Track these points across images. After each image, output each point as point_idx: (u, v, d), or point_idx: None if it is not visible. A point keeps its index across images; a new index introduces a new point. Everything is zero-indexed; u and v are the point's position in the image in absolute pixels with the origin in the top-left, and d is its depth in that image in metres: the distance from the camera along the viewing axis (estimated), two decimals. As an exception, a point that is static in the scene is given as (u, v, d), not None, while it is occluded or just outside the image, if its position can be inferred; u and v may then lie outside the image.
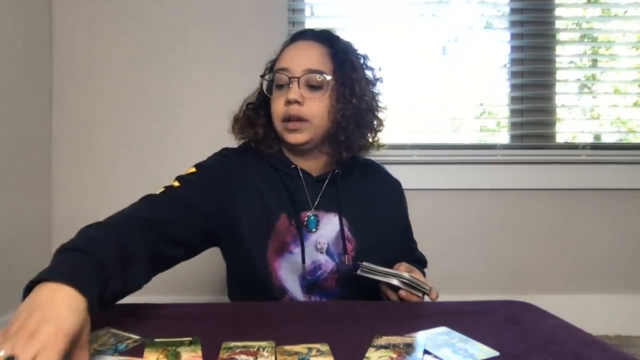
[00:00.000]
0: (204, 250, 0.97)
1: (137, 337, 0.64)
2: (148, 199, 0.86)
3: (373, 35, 1.85)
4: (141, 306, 0.82)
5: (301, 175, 0.98)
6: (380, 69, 1.05)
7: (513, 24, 1.87)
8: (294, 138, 0.95)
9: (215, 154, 1.03)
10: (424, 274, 1.09)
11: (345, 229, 0.96)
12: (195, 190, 0.91)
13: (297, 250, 0.93)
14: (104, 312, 0.78)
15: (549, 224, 1.79)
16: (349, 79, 0.96)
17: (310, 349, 0.58)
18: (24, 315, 0.49)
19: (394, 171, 1.13)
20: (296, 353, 0.57)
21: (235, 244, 0.95)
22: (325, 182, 1.00)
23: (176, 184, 0.91)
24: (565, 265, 1.78)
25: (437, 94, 1.86)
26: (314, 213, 0.97)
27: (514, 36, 1.87)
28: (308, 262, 0.93)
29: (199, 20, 1.77)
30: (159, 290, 1.78)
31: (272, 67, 1.02)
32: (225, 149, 1.05)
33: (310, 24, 1.85)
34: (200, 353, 0.58)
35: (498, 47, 1.91)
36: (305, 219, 0.96)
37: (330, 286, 0.95)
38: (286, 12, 1.78)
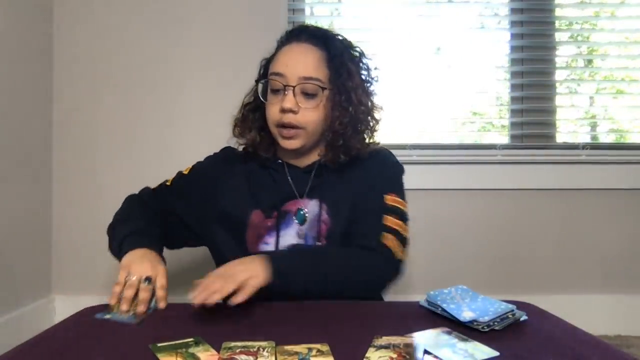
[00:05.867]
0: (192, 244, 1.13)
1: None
2: (145, 194, 1.10)
3: (373, 35, 1.85)
4: (141, 306, 0.82)
5: (287, 169, 1.03)
6: (376, 68, 1.05)
7: (513, 24, 1.87)
8: (288, 144, 0.98)
9: (215, 153, 1.14)
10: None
11: (324, 212, 0.98)
12: (177, 197, 1.07)
13: (271, 240, 0.97)
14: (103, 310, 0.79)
15: (549, 224, 1.79)
16: (345, 86, 0.97)
17: (310, 349, 0.58)
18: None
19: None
20: (296, 353, 0.57)
21: (215, 243, 1.03)
22: (312, 173, 1.02)
23: (168, 182, 1.10)
24: (565, 265, 1.78)
25: (437, 94, 1.86)
26: (302, 207, 0.99)
27: (514, 36, 1.86)
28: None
29: (199, 20, 1.77)
30: (159, 290, 1.79)
31: (266, 66, 1.04)
32: (227, 148, 1.13)
33: (310, 24, 1.85)
34: (214, 351, 0.59)
35: (498, 47, 1.90)
36: (292, 211, 0.99)
37: None
38: (286, 12, 1.78)
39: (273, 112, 0.97)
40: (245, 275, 0.77)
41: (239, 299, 0.74)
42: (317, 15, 1.90)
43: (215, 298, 0.72)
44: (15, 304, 1.52)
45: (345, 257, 0.92)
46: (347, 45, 1.03)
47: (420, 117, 1.87)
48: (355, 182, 1.01)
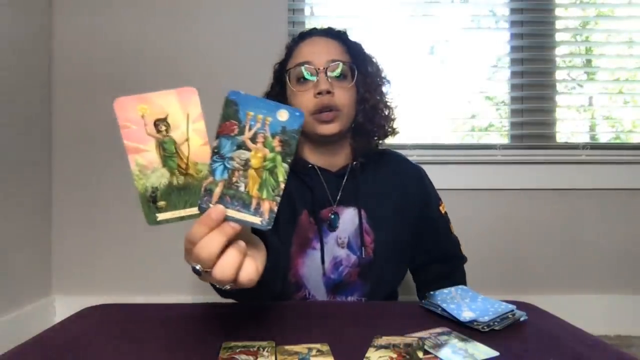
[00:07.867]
0: None
1: None
2: None
3: (374, 35, 1.85)
4: (142, 307, 0.82)
5: (319, 173, 1.00)
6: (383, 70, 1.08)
7: (513, 24, 1.87)
8: (328, 129, 0.95)
9: None
10: (461, 278, 1.11)
11: (364, 222, 0.97)
12: None
13: (318, 246, 0.95)
14: (105, 313, 0.79)
15: (549, 224, 1.79)
16: (368, 71, 1.00)
17: (310, 349, 0.58)
18: None
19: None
20: (296, 353, 0.57)
21: None
22: (345, 177, 1.00)
23: None
24: (565, 265, 1.78)
25: (438, 94, 1.86)
26: (335, 211, 0.97)
27: (514, 36, 1.87)
28: (328, 259, 0.95)
29: (198, 20, 1.77)
30: (160, 290, 1.79)
31: (280, 69, 1.03)
32: None
33: (310, 24, 1.85)
34: None
35: (498, 47, 1.90)
36: (327, 218, 0.97)
37: (353, 281, 0.96)
38: (286, 12, 1.78)
39: (307, 100, 0.94)
40: None
41: None
42: (317, 15, 1.90)
43: None
44: (15, 304, 1.52)
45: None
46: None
47: (421, 117, 1.87)
48: (392, 190, 1.02)
